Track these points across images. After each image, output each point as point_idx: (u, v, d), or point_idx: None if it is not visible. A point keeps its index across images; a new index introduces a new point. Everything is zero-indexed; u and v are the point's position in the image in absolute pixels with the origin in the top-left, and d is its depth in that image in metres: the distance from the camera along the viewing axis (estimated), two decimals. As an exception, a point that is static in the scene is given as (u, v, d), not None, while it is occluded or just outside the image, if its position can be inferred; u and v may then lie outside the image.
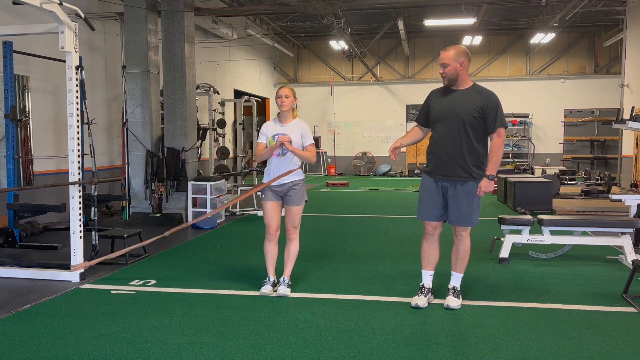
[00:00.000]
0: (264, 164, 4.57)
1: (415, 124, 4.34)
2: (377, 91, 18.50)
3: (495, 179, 4.12)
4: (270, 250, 4.45)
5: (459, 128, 3.92)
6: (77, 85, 4.79)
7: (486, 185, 3.93)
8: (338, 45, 14.05)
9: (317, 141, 18.63)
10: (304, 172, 4.43)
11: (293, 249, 4.48)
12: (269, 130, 4.41)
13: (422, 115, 4.21)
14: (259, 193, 4.53)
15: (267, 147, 4.38)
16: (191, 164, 8.37)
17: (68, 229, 4.96)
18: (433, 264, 4.18)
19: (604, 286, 4.64)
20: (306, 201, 4.47)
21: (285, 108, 4.34)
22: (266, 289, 4.36)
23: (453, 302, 4.03)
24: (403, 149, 4.46)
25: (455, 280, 4.14)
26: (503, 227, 5.67)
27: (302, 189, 4.41)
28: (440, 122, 4.01)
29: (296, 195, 4.37)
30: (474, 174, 3.94)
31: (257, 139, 4.56)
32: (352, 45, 14.18)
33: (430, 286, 4.17)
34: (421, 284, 4.18)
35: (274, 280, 4.45)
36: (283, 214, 4.48)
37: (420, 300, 4.05)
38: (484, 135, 3.99)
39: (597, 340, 3.42)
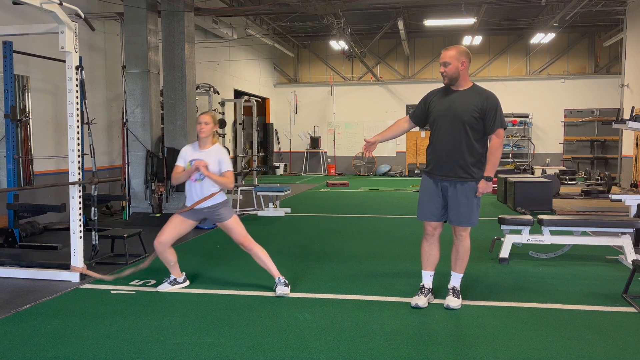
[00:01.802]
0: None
1: (407, 116, 4.30)
2: (377, 91, 18.50)
3: (495, 179, 4.12)
4: (162, 257, 4.52)
5: (459, 128, 3.92)
6: (77, 85, 4.78)
7: (484, 187, 3.93)
8: (338, 45, 14.05)
9: (317, 141, 18.64)
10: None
11: (258, 255, 4.48)
12: (187, 154, 4.48)
13: (419, 113, 4.20)
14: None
15: (184, 170, 4.44)
16: (191, 164, 8.36)
17: (68, 229, 4.96)
18: (433, 265, 4.18)
19: (604, 286, 4.64)
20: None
21: (203, 135, 4.40)
22: (162, 287, 4.53)
23: (453, 302, 4.03)
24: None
25: (455, 280, 4.14)
26: (503, 227, 5.67)
27: (224, 209, 4.45)
28: (440, 122, 4.00)
29: (221, 213, 4.42)
30: (473, 174, 3.94)
31: (176, 162, 4.58)
32: (352, 45, 14.18)
33: (431, 286, 4.17)
34: (421, 284, 4.18)
35: (174, 279, 4.59)
36: (218, 227, 4.46)
37: (420, 301, 4.05)
38: (484, 135, 3.99)
39: (597, 340, 3.42)
